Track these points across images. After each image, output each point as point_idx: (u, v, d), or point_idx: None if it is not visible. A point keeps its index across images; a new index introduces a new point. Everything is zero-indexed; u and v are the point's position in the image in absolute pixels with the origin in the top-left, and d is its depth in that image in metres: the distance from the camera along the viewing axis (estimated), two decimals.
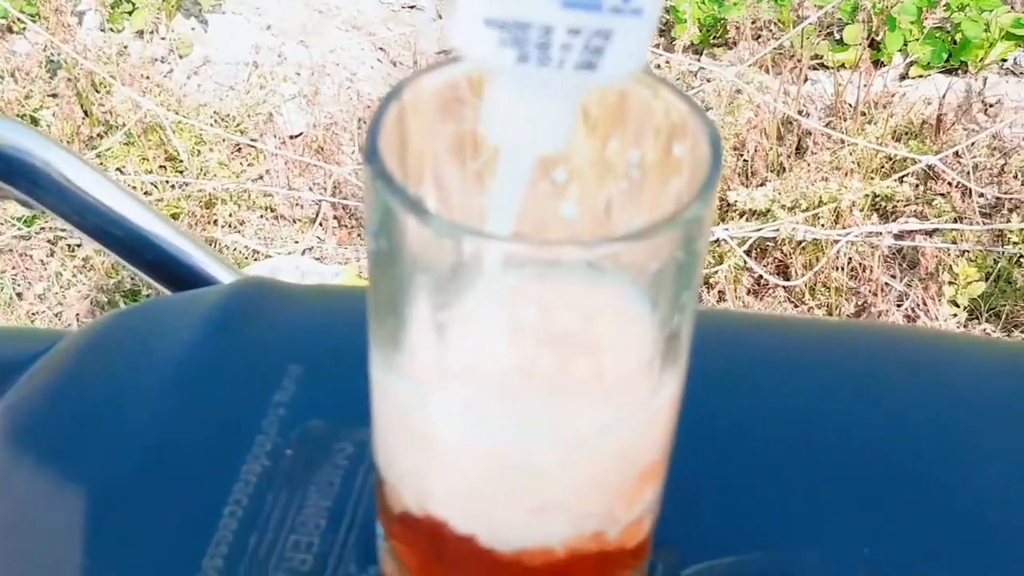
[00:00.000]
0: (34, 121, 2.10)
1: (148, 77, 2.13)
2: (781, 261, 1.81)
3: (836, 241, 1.76)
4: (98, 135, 2.05)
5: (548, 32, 0.26)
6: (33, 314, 1.80)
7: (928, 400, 0.42)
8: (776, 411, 0.41)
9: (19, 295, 1.83)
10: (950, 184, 1.84)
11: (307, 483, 0.38)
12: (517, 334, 0.30)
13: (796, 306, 1.77)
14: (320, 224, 1.98)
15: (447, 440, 0.32)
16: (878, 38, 2.11)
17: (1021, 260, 1.79)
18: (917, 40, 2.08)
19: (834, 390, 0.42)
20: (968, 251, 1.78)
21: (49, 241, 1.90)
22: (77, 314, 1.78)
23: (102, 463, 0.39)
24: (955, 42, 2.09)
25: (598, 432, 0.31)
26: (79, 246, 1.89)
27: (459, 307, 0.29)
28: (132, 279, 1.82)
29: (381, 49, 2.38)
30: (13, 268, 1.86)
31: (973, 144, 1.88)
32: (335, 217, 1.99)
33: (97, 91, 2.08)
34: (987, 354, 0.46)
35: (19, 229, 1.89)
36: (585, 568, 0.34)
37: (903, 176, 1.83)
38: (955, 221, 1.82)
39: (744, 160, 1.89)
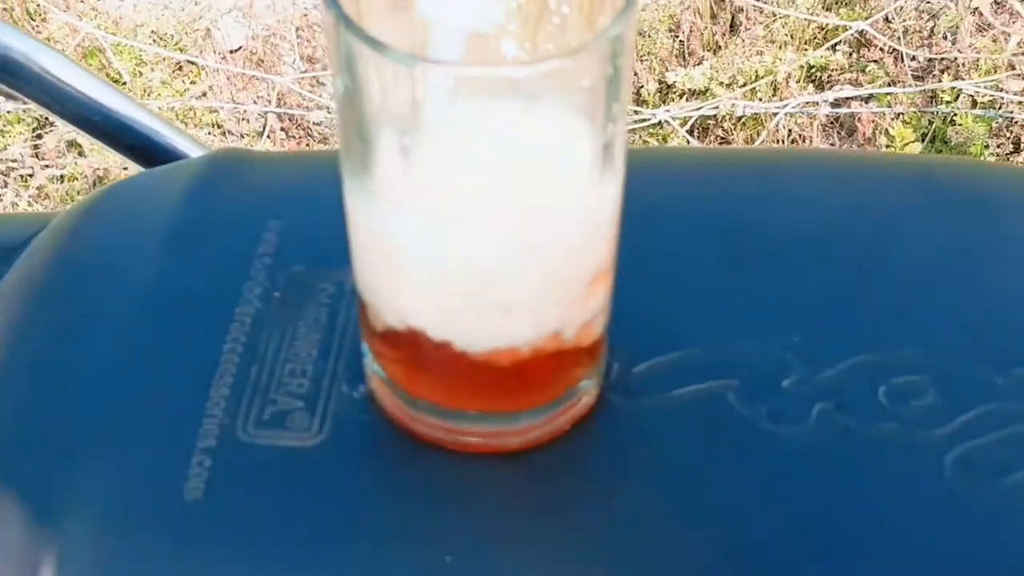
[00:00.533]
0: None
1: (83, 0, 2.12)
2: (723, 138, 1.86)
3: (775, 114, 1.81)
4: None
5: None
6: None
7: (847, 206, 0.47)
8: (711, 224, 0.46)
9: None
10: (882, 50, 1.89)
11: (296, 320, 0.43)
12: (471, 152, 0.34)
13: None
14: (268, 136, 2.00)
15: (416, 254, 0.36)
16: None
17: (954, 119, 1.84)
18: None
19: (759, 203, 0.47)
20: (903, 114, 1.83)
21: (1, 172, 1.91)
22: None
23: (104, 325, 0.43)
24: None
25: (549, 237, 0.36)
26: (31, 176, 1.90)
27: (418, 131, 0.33)
28: None
29: None
30: None
31: (901, 8, 1.92)
32: (282, 128, 2.01)
33: (32, 19, 2.07)
34: (901, 167, 0.51)
35: None
36: (547, 366, 0.39)
37: (835, 44, 1.88)
38: (889, 85, 1.87)
39: (680, 41, 1.93)
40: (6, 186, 1.89)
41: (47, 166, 1.90)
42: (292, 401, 0.40)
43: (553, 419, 0.40)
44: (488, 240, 0.35)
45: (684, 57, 1.92)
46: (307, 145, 2.00)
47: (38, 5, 2.04)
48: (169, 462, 0.39)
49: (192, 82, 2.08)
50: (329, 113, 1.98)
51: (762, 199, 0.47)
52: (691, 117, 1.82)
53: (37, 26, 2.06)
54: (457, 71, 0.32)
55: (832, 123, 1.86)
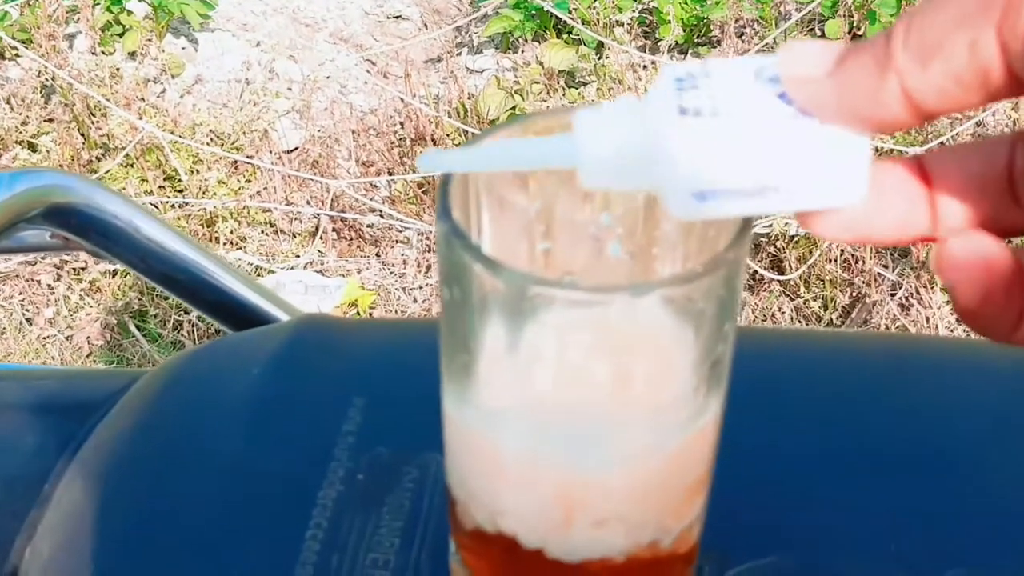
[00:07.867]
0: (32, 147, 2.13)
1: (143, 99, 2.16)
2: (775, 256, 1.85)
3: None
4: (96, 158, 2.07)
5: None
6: (44, 338, 1.83)
7: (945, 404, 0.45)
8: (805, 421, 0.45)
9: (29, 320, 1.86)
10: None
11: (380, 505, 0.42)
12: (575, 365, 0.34)
13: (792, 299, 1.81)
14: (320, 238, 2.01)
15: (514, 461, 0.35)
16: (860, 32, 2.15)
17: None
18: None
19: (856, 399, 0.46)
20: None
21: (55, 265, 1.92)
22: (88, 337, 1.81)
23: (188, 495, 0.43)
24: None
25: (649, 451, 0.35)
26: (84, 269, 1.92)
27: (523, 343, 0.33)
28: (139, 300, 1.85)
29: (370, 61, 2.41)
30: (20, 293, 1.89)
31: (957, 135, 1.92)
32: (334, 230, 2.02)
33: (93, 115, 2.11)
34: (993, 359, 0.50)
35: (24, 255, 1.92)
36: (641, 573, 0.38)
37: None
38: None
39: None
40: (59, 279, 1.91)
41: (100, 260, 1.92)
42: None
43: None
44: (587, 451, 0.34)
45: None
46: (358, 248, 2.01)
47: (97, 103, 2.08)
48: None
49: (247, 181, 2.10)
50: (382, 217, 1.99)
51: (867, 392, 0.46)
52: None
53: (98, 121, 2.09)
54: (571, 296, 0.31)
55: (888, 248, 1.85)
